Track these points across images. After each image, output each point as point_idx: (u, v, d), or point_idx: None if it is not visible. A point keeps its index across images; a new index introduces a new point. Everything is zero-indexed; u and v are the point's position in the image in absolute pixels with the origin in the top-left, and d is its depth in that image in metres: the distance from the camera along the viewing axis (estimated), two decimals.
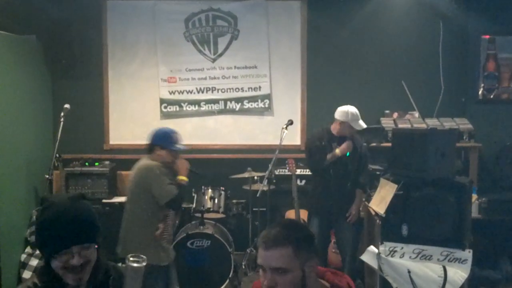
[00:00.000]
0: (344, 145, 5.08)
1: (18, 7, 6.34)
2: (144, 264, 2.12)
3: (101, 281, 2.21)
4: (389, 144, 5.56)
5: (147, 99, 6.76)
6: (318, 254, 2.27)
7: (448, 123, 6.14)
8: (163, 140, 4.39)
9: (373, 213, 4.86)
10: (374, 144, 5.92)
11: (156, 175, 4.25)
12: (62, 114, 5.56)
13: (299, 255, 2.10)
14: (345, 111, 5.08)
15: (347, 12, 6.60)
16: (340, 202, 5.18)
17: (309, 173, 6.20)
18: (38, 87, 6.34)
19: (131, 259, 2.12)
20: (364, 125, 5.10)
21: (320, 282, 2.25)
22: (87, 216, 2.16)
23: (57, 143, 5.45)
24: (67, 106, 5.66)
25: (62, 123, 5.54)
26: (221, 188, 5.98)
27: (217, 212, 5.88)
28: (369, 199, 5.07)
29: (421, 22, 6.60)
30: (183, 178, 4.40)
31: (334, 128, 5.16)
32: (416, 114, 6.40)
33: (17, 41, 5.87)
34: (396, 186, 4.35)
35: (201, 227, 5.61)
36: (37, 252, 5.66)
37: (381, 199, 4.53)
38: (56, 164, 5.68)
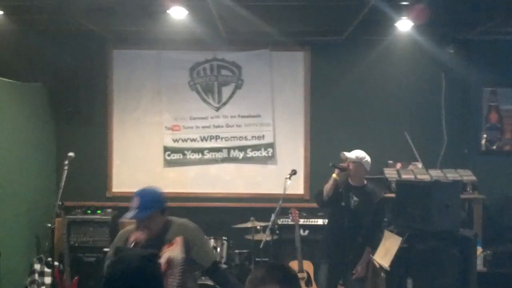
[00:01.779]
0: (340, 168, 5.06)
1: (23, 55, 6.44)
2: None
3: None
4: (393, 195, 5.56)
5: (151, 147, 6.78)
6: None
7: (452, 175, 6.14)
8: None
9: (377, 265, 4.81)
10: (384, 195, 5.89)
11: None
12: (66, 162, 5.57)
13: None
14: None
15: (350, 62, 6.69)
16: (351, 255, 5.09)
17: (313, 223, 6.20)
18: (42, 134, 6.38)
19: None
20: (353, 155, 5.07)
21: None
22: (146, 281, 2.17)
23: (60, 191, 5.44)
24: (71, 154, 5.68)
25: (65, 171, 5.53)
26: (224, 238, 5.93)
27: (219, 262, 5.79)
28: (373, 251, 5.02)
29: (423, 73, 6.67)
30: None
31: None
32: (420, 165, 6.39)
33: (22, 89, 5.95)
34: (400, 238, 4.33)
35: (203, 278, 5.52)
36: None
37: (385, 252, 4.50)
38: (58, 212, 5.65)
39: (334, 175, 5.04)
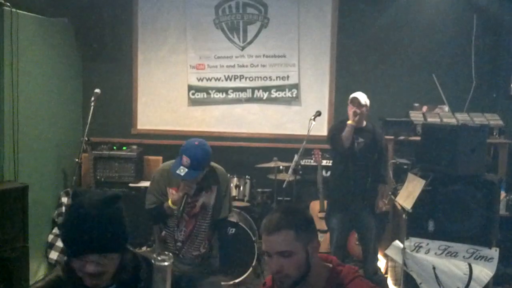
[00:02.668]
0: (350, 113, 5.03)
1: None
2: (171, 261, 2.03)
3: (130, 276, 2.16)
4: (418, 138, 5.55)
5: (176, 85, 6.79)
6: (317, 235, 2.35)
7: (479, 119, 6.05)
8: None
9: (399, 207, 4.84)
10: (402, 138, 5.87)
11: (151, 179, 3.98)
12: (92, 98, 5.61)
13: (300, 237, 2.19)
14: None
15: (379, 2, 6.53)
16: (361, 195, 5.12)
17: None
18: (69, 70, 6.40)
19: (157, 257, 2.03)
20: (357, 96, 5.02)
21: (322, 263, 2.34)
22: (113, 225, 2.05)
23: (87, 127, 5.51)
24: (97, 90, 5.71)
25: (92, 107, 5.58)
26: (247, 176, 6.00)
27: (242, 200, 5.91)
28: (395, 193, 5.04)
29: (454, 14, 6.49)
30: (169, 203, 3.74)
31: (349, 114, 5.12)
32: (446, 108, 6.31)
33: (49, 24, 5.92)
34: (424, 181, 4.33)
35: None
36: None
37: (408, 194, 4.51)
38: (85, 147, 5.75)
39: (350, 122, 5.01)
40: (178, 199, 3.65)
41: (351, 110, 5.01)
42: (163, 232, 3.89)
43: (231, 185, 3.84)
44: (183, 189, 3.63)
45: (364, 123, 5.16)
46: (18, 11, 5.17)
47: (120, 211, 2.10)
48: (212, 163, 3.81)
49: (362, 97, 5.03)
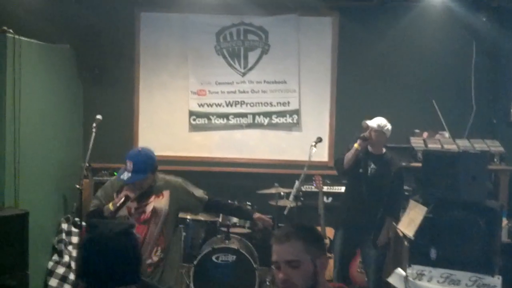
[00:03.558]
0: (362, 138, 5.04)
1: (52, 16, 6.45)
2: None
3: None
4: (419, 164, 5.54)
5: (176, 111, 6.81)
6: (327, 254, 2.38)
7: (479, 145, 6.06)
8: None
9: (400, 234, 4.82)
10: (403, 164, 5.86)
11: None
12: (94, 124, 5.62)
13: (309, 249, 2.25)
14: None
15: (379, 28, 6.58)
16: (370, 223, 5.12)
17: (336, 190, 6.18)
18: (70, 95, 6.43)
19: None
20: (379, 123, 5.06)
21: (329, 284, 2.42)
22: (133, 257, 2.15)
23: (89, 153, 5.50)
24: (99, 117, 5.73)
25: (93, 134, 5.59)
26: (248, 203, 5.99)
27: (243, 227, 5.88)
28: (393, 221, 5.03)
29: (454, 40, 6.54)
30: (109, 205, 3.77)
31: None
32: (446, 134, 6.32)
33: (50, 50, 5.97)
34: (425, 208, 4.31)
35: (227, 241, 5.61)
36: (64, 260, 5.72)
37: (409, 221, 4.49)
38: (85, 173, 5.74)
39: (356, 145, 5.02)
40: (117, 201, 3.73)
41: (371, 136, 5.04)
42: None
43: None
44: (124, 192, 3.75)
45: (383, 150, 5.16)
46: (20, 37, 5.22)
47: (137, 241, 2.21)
48: (164, 176, 4.00)
49: (376, 121, 5.02)
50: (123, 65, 6.77)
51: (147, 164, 3.78)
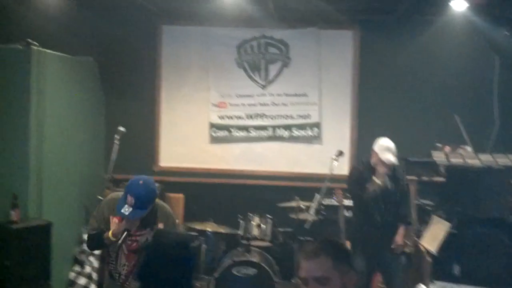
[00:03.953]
0: (376, 178, 5.01)
1: (75, 29, 6.55)
2: None
3: None
4: (441, 179, 5.50)
5: (197, 123, 6.84)
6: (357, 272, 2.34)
7: (502, 160, 5.98)
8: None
9: (423, 250, 4.79)
10: (425, 178, 5.83)
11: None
12: (117, 136, 5.67)
13: (338, 266, 2.22)
14: (379, 143, 5.07)
15: (401, 42, 6.57)
16: (384, 236, 5.08)
17: None
18: (93, 107, 6.50)
19: None
20: (392, 160, 4.98)
21: None
22: (191, 268, 2.26)
23: (112, 164, 5.55)
24: (122, 129, 5.78)
25: (116, 145, 5.63)
26: (268, 216, 5.98)
27: (264, 240, 5.87)
28: (419, 234, 4.99)
29: (476, 54, 6.50)
30: (109, 233, 3.68)
31: (373, 161, 5.09)
32: (469, 149, 6.26)
33: (74, 62, 6.05)
34: (449, 224, 4.29)
35: (247, 254, 5.61)
36: (85, 270, 5.76)
37: (433, 237, 4.47)
38: (108, 184, 5.79)
39: (378, 182, 4.96)
40: (118, 233, 3.62)
41: (381, 167, 4.96)
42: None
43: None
44: (124, 225, 3.60)
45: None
46: (45, 50, 5.30)
47: (196, 254, 2.26)
48: (158, 201, 3.79)
49: (392, 151, 4.99)
50: (145, 77, 6.84)
51: (149, 199, 3.59)
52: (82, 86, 6.21)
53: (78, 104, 6.08)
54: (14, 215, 4.87)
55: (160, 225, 3.72)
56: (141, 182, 3.59)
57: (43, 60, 5.26)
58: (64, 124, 5.70)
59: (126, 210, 3.51)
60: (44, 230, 4.91)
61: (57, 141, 5.53)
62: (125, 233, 3.57)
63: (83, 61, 6.33)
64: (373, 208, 5.02)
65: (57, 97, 5.55)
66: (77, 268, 5.78)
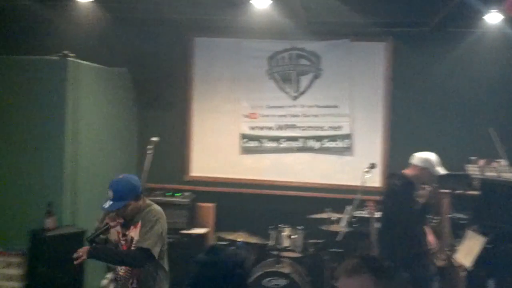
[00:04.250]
0: (423, 192, 4.97)
1: (110, 40, 6.67)
2: None
3: None
4: (475, 193, 5.42)
5: (228, 134, 6.88)
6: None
7: None
8: None
9: (456, 264, 4.72)
10: (459, 192, 5.75)
11: None
12: (150, 146, 5.74)
13: (378, 283, 2.18)
14: (426, 158, 5.00)
15: (434, 55, 6.51)
16: (419, 250, 5.02)
17: None
18: (126, 117, 6.60)
19: None
20: (443, 172, 4.96)
21: None
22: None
23: (145, 174, 5.60)
24: (155, 138, 5.84)
25: (149, 155, 5.69)
26: (299, 227, 5.97)
27: (294, 251, 5.86)
28: (453, 249, 4.92)
29: (511, 67, 6.41)
30: None
31: (414, 175, 5.03)
32: (503, 162, 6.16)
33: (108, 73, 6.16)
34: (484, 239, 4.22)
35: (278, 265, 5.60)
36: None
37: (467, 251, 4.40)
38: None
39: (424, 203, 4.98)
40: (97, 228, 3.79)
41: (418, 173, 4.96)
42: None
43: (157, 223, 3.72)
44: (106, 219, 3.75)
45: None
46: (80, 61, 5.41)
47: (248, 274, 2.29)
48: (150, 202, 3.90)
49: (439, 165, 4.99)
50: (177, 88, 6.91)
51: (127, 191, 3.72)
52: (116, 97, 6.31)
53: (112, 114, 6.18)
54: (48, 222, 4.96)
55: (139, 224, 3.76)
56: (121, 176, 3.85)
57: (79, 71, 5.38)
58: (98, 133, 5.80)
59: (106, 204, 3.70)
60: (78, 238, 4.97)
61: (91, 150, 5.62)
62: (102, 229, 3.72)
63: (117, 72, 6.44)
64: (414, 222, 4.95)
65: (92, 107, 5.66)
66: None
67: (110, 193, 3.70)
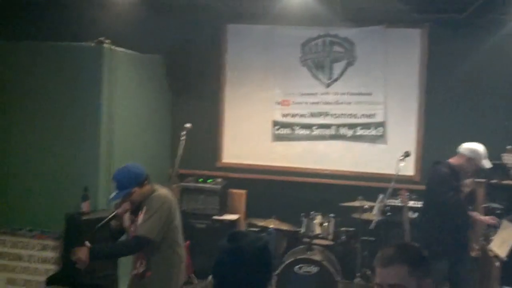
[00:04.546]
0: (469, 182, 4.92)
1: (144, 27, 6.72)
2: None
3: None
4: (510, 182, 5.33)
5: (260, 121, 6.88)
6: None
7: None
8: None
9: (491, 255, 4.65)
10: (494, 181, 5.66)
11: None
12: (183, 133, 5.79)
13: (414, 273, 2.16)
14: (475, 149, 4.94)
15: (471, 41, 6.38)
16: (463, 238, 4.99)
17: (421, 205, 6.02)
18: (160, 104, 6.66)
19: None
20: (489, 165, 4.89)
21: None
22: (267, 272, 2.26)
23: (178, 160, 5.66)
24: (188, 125, 5.89)
25: (182, 141, 5.75)
26: (331, 215, 5.96)
27: (326, 238, 5.86)
28: (487, 239, 4.85)
29: None
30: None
31: (460, 164, 4.97)
32: None
33: (143, 60, 6.21)
34: None
35: (309, 252, 5.61)
36: None
37: (502, 242, 4.34)
38: (173, 179, 5.91)
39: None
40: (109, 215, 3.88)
41: (466, 164, 4.93)
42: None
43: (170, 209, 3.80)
44: (114, 208, 3.88)
45: None
46: (116, 48, 5.46)
47: (271, 257, 2.28)
48: (156, 187, 3.99)
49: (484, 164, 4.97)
50: (210, 75, 6.94)
51: (129, 179, 3.83)
52: (150, 83, 6.37)
53: (146, 101, 6.24)
54: (84, 206, 5.05)
55: (144, 209, 3.85)
56: (123, 166, 3.96)
57: (114, 58, 5.42)
58: (132, 119, 5.86)
59: (112, 195, 3.84)
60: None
61: (126, 136, 5.68)
62: (109, 217, 3.84)
63: (151, 58, 6.48)
64: (460, 212, 4.90)
65: (127, 93, 5.71)
66: None
67: (114, 184, 3.84)
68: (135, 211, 3.91)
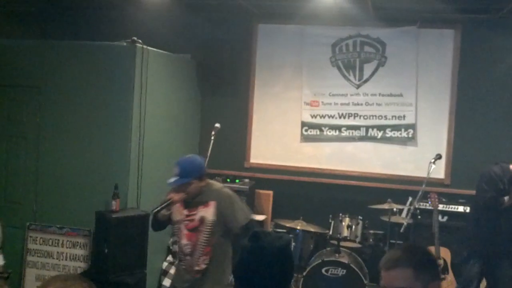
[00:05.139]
0: None
1: (175, 27, 6.78)
2: None
3: None
4: None
5: (289, 121, 6.86)
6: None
7: None
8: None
9: None
10: None
11: None
12: (213, 132, 5.80)
13: (419, 276, 2.12)
14: None
15: (505, 43, 6.25)
16: (506, 243, 4.94)
17: (452, 209, 5.95)
18: (190, 103, 6.69)
19: None
20: None
21: None
22: (288, 272, 2.27)
23: (207, 159, 5.68)
24: (217, 125, 5.91)
25: (212, 141, 5.76)
26: (359, 217, 5.92)
27: (354, 241, 5.82)
28: None
29: None
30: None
31: None
32: None
33: (173, 59, 6.26)
34: None
35: (337, 255, 5.58)
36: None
37: None
38: None
39: None
40: (162, 202, 3.90)
41: None
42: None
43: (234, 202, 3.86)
44: (169, 194, 3.90)
45: None
46: (148, 47, 5.51)
47: (293, 258, 2.32)
48: (210, 181, 4.04)
49: None
50: (240, 75, 6.94)
51: (191, 169, 3.87)
52: (181, 83, 6.41)
53: (176, 100, 6.28)
54: (114, 204, 5.10)
55: (212, 203, 3.87)
56: (188, 155, 4.08)
57: (146, 57, 5.47)
58: (163, 119, 5.91)
59: (171, 179, 3.84)
60: (142, 220, 5.10)
61: (156, 135, 5.73)
62: (166, 203, 3.85)
63: (182, 58, 6.54)
64: (503, 217, 4.85)
65: (158, 92, 5.76)
66: (169, 258, 5.97)
67: (176, 169, 3.85)
68: (188, 205, 3.93)
